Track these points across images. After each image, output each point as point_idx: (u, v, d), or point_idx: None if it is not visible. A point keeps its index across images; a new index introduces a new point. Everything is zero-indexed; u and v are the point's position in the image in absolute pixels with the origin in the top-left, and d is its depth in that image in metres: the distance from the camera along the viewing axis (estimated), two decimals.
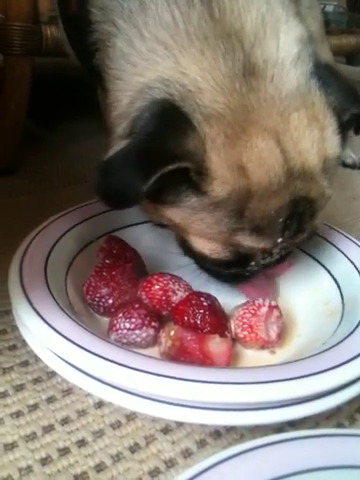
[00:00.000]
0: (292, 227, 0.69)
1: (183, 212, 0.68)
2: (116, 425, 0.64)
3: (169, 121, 0.63)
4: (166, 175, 0.60)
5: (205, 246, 0.71)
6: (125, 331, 0.71)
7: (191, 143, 0.61)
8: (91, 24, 0.75)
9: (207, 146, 0.62)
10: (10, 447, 0.60)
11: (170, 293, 0.77)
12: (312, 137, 0.66)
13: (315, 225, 0.72)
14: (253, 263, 0.73)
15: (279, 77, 0.65)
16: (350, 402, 0.63)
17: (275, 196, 0.65)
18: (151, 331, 0.72)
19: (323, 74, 0.69)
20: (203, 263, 0.78)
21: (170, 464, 0.60)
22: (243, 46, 0.65)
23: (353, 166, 1.53)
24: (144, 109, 0.64)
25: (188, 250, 0.76)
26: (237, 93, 0.63)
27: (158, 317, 0.74)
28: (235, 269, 0.75)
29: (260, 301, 0.74)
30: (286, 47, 0.67)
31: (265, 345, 0.74)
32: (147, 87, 0.65)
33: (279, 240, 0.69)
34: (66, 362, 0.62)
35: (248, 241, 0.68)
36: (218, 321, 0.73)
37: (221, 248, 0.70)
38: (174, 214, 0.69)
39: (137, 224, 0.94)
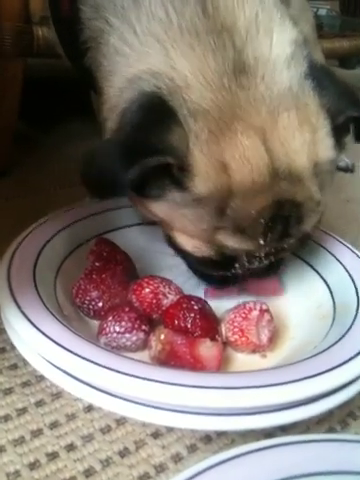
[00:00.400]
0: (276, 230, 0.67)
1: (166, 207, 0.67)
2: (106, 429, 0.64)
3: (155, 115, 0.62)
4: (150, 169, 0.60)
5: (188, 243, 0.71)
6: (115, 335, 0.70)
7: (174, 138, 0.61)
8: (82, 22, 0.75)
9: (190, 142, 0.62)
10: None
11: (161, 296, 0.76)
12: (302, 139, 0.65)
13: (304, 230, 0.71)
14: (237, 265, 0.72)
15: (270, 76, 0.65)
16: (342, 406, 0.63)
17: (258, 196, 0.64)
18: (141, 335, 0.71)
19: (318, 76, 0.68)
20: (189, 262, 0.78)
21: (160, 469, 0.59)
22: (234, 43, 0.64)
23: (346, 169, 1.53)
24: (133, 101, 0.64)
25: (174, 247, 0.76)
26: (225, 90, 0.63)
27: (148, 321, 0.74)
28: (220, 270, 0.75)
29: (251, 305, 0.74)
30: (279, 47, 0.67)
31: (256, 349, 0.73)
32: (137, 77, 0.65)
33: (261, 242, 0.67)
34: (55, 366, 0.61)
35: (230, 241, 0.67)
36: (209, 325, 0.73)
37: (204, 246, 0.70)
38: (158, 209, 0.69)
39: (128, 226, 0.94)
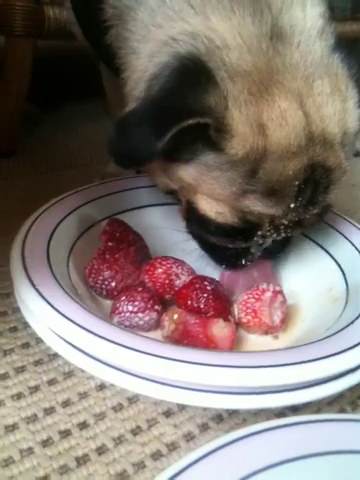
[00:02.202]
0: (306, 195, 0.67)
1: (196, 170, 0.67)
2: (118, 408, 0.64)
3: (191, 76, 0.62)
4: (183, 132, 0.59)
5: (213, 208, 0.70)
6: (128, 314, 0.70)
7: (212, 99, 0.61)
8: (104, 1, 0.75)
9: (229, 103, 0.61)
10: (11, 429, 0.60)
11: (173, 277, 0.76)
12: (335, 106, 0.66)
13: (327, 201, 0.71)
14: (260, 233, 0.71)
15: (305, 45, 0.66)
16: (352, 388, 0.63)
17: (294, 158, 0.64)
18: (154, 314, 0.71)
19: (344, 50, 0.69)
20: (206, 233, 0.76)
21: (172, 447, 0.60)
22: (271, 10, 0.65)
23: (354, 154, 1.52)
24: (165, 64, 0.64)
25: (193, 215, 0.74)
26: (264, 54, 0.63)
27: (161, 301, 0.74)
28: (239, 241, 0.73)
29: (264, 286, 0.74)
30: (312, 19, 0.68)
31: (268, 330, 0.74)
32: (171, 39, 0.65)
33: (291, 205, 0.67)
34: (68, 343, 0.61)
35: (258, 205, 0.66)
36: (222, 305, 0.73)
37: (229, 212, 0.69)
38: (186, 173, 0.68)
39: (140, 207, 0.94)
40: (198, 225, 0.76)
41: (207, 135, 0.62)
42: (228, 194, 0.67)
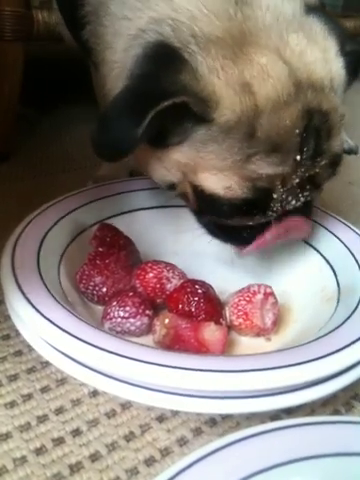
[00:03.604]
0: (310, 145, 0.66)
1: (191, 150, 0.66)
2: (111, 414, 0.64)
3: (160, 60, 0.62)
4: (165, 115, 0.59)
5: (219, 184, 0.68)
6: (119, 319, 0.70)
7: (184, 77, 0.61)
8: None
9: (203, 73, 0.61)
10: (4, 437, 0.60)
11: (164, 281, 0.76)
12: (314, 54, 0.66)
13: (333, 149, 0.70)
14: (275, 196, 0.68)
15: (274, 7, 0.66)
16: (346, 389, 0.63)
17: (287, 107, 0.63)
18: (145, 319, 0.71)
19: (317, 11, 0.70)
20: (221, 218, 0.73)
21: (165, 452, 0.60)
22: None
23: (349, 151, 1.52)
24: (138, 56, 0.64)
25: (203, 201, 0.72)
26: (233, 19, 0.64)
27: (152, 305, 0.74)
28: (258, 216, 0.71)
29: (255, 288, 0.74)
30: None
31: (260, 332, 0.73)
32: (141, 31, 0.65)
33: (297, 158, 0.66)
34: (60, 352, 0.61)
35: (265, 167, 0.65)
36: (213, 308, 0.73)
37: (237, 184, 0.67)
38: (181, 155, 0.68)
39: (131, 211, 0.93)
40: (210, 211, 0.74)
41: (192, 112, 0.62)
42: (231, 164, 0.66)
